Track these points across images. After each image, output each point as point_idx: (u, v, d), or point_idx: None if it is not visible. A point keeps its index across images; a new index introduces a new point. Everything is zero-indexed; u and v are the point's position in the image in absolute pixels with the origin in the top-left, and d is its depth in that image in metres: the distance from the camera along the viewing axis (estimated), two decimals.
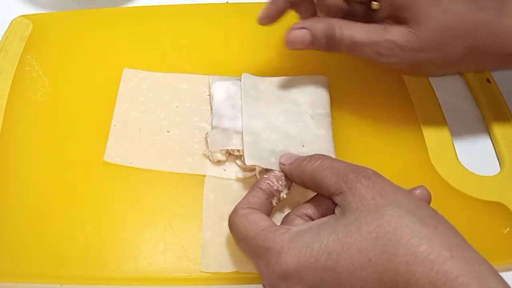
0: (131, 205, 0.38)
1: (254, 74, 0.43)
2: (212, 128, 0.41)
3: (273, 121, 0.40)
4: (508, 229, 0.37)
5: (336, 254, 0.27)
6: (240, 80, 0.43)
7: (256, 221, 0.31)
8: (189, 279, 0.35)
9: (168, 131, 0.42)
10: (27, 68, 0.46)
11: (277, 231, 0.30)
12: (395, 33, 0.36)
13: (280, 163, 0.36)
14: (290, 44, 0.38)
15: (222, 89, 0.42)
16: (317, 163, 0.32)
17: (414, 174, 0.40)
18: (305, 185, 0.34)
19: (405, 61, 0.37)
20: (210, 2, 0.52)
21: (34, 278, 0.35)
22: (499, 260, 0.35)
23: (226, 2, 0.53)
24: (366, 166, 0.31)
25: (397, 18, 0.37)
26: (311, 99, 0.42)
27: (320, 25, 0.38)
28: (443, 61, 0.37)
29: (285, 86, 0.42)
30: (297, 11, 0.41)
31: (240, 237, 0.31)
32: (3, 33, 0.48)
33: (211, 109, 0.43)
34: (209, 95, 0.44)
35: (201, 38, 0.49)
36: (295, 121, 0.40)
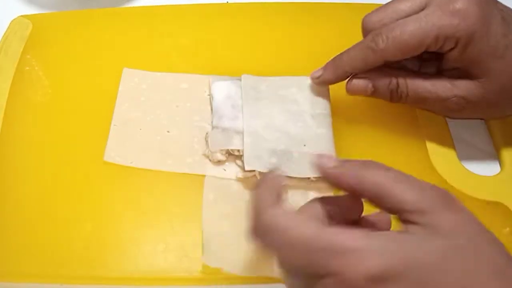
0: (131, 205, 0.38)
1: (254, 74, 0.43)
2: (212, 128, 0.41)
3: (273, 121, 0.40)
4: (508, 229, 0.37)
5: (430, 273, 0.24)
6: (240, 80, 0.43)
7: (308, 220, 0.26)
8: (189, 279, 0.35)
9: (168, 131, 0.42)
10: (27, 68, 0.46)
11: (346, 229, 0.25)
12: (463, 88, 0.36)
13: (320, 167, 0.29)
14: (351, 92, 0.39)
15: (222, 89, 0.42)
16: (382, 172, 0.27)
17: (414, 174, 0.39)
18: (361, 194, 0.28)
19: (474, 114, 0.38)
20: (210, 2, 0.52)
21: (34, 278, 0.35)
22: None
23: (226, 2, 0.53)
24: (446, 190, 0.27)
25: (464, 72, 0.36)
26: (311, 99, 0.42)
27: (383, 77, 0.38)
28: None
29: (285, 86, 0.42)
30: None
31: (285, 241, 0.26)
32: (3, 33, 0.48)
33: (211, 109, 0.43)
34: (209, 95, 0.44)
35: (201, 38, 0.49)
36: (296, 121, 0.40)
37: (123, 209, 0.38)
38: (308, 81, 0.43)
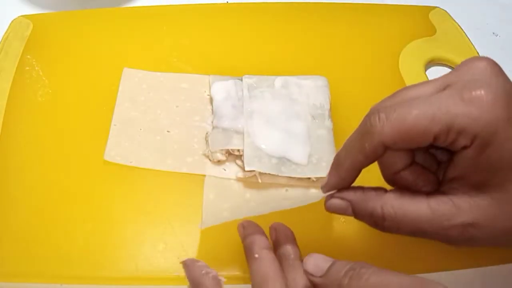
0: (131, 205, 0.38)
1: (254, 74, 0.43)
2: (213, 128, 0.41)
3: (274, 121, 0.40)
4: None
5: None
6: (241, 79, 0.43)
7: None
8: None
9: (168, 131, 0.42)
10: (27, 68, 0.46)
11: None
12: (471, 210, 0.27)
13: (308, 273, 0.28)
14: (330, 211, 0.31)
15: (223, 89, 0.42)
16: (362, 281, 0.25)
17: None
18: None
19: (484, 244, 0.29)
20: (210, 2, 0.52)
21: (34, 278, 0.35)
22: (499, 260, 0.35)
23: (226, 2, 0.53)
24: (432, 280, 0.24)
25: (475, 185, 0.27)
26: (311, 99, 0.42)
27: (365, 202, 0.29)
28: None
29: (285, 86, 0.42)
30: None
31: None
32: (3, 33, 0.48)
33: (212, 109, 0.43)
34: (209, 95, 0.44)
35: (201, 38, 0.49)
36: (296, 122, 0.40)
37: (123, 209, 0.38)
38: (308, 81, 0.43)
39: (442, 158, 0.31)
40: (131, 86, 0.44)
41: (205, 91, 0.44)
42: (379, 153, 0.28)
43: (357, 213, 0.30)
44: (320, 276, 0.27)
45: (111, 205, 0.38)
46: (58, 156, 0.40)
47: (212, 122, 0.41)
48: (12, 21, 0.49)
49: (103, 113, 0.42)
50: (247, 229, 0.34)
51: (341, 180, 0.30)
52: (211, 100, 0.43)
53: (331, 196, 0.31)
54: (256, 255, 0.31)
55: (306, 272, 0.28)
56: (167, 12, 0.51)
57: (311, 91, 0.42)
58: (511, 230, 0.27)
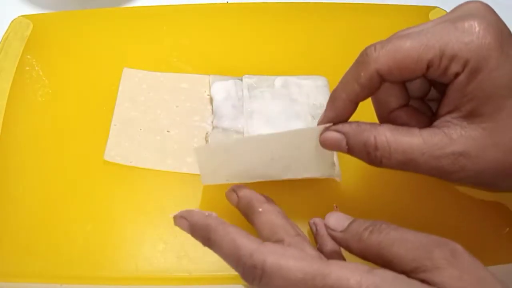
0: (131, 204, 0.38)
1: (254, 74, 0.43)
2: (213, 128, 0.41)
3: (273, 121, 0.40)
4: (508, 229, 0.37)
5: None
6: (241, 79, 0.43)
7: (305, 257, 0.25)
8: (189, 279, 0.35)
9: (168, 131, 0.42)
10: (27, 68, 0.46)
11: (347, 264, 0.25)
12: (463, 140, 0.27)
13: (328, 228, 0.28)
14: (324, 146, 0.32)
15: (223, 89, 0.42)
16: (382, 235, 0.26)
17: (414, 176, 0.40)
18: (366, 258, 0.27)
19: (477, 178, 0.28)
20: (210, 2, 0.52)
21: (34, 278, 0.35)
22: (499, 260, 0.35)
23: (226, 2, 0.53)
24: (451, 240, 0.25)
25: (467, 115, 0.28)
26: (311, 99, 0.42)
27: (360, 133, 0.30)
28: None
29: (285, 86, 0.42)
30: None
31: (286, 282, 0.25)
32: (3, 33, 0.48)
33: (212, 109, 0.43)
34: (209, 95, 0.44)
35: (201, 38, 0.49)
36: (296, 122, 0.40)
37: (123, 209, 0.38)
38: (308, 81, 0.43)
39: (433, 96, 0.32)
40: (131, 86, 0.44)
41: (205, 91, 0.44)
42: (374, 83, 0.29)
43: (351, 146, 0.30)
44: (341, 231, 0.28)
45: (111, 205, 0.38)
46: (58, 156, 0.40)
47: (212, 122, 0.41)
48: (12, 21, 0.49)
49: (103, 113, 0.42)
50: (240, 190, 0.33)
51: (338, 113, 0.31)
52: (211, 100, 0.43)
53: (327, 129, 0.31)
54: (260, 209, 0.31)
55: (327, 227, 0.28)
56: (167, 12, 0.51)
57: (311, 91, 0.42)
58: (500, 162, 0.27)
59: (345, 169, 0.38)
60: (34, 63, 0.46)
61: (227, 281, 0.35)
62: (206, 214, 0.29)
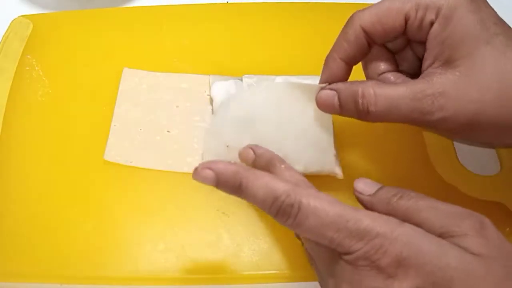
0: (131, 205, 0.38)
1: (254, 74, 0.43)
2: None
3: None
4: (508, 229, 0.37)
5: (459, 280, 0.25)
6: (241, 79, 0.43)
7: (335, 201, 0.27)
8: (189, 279, 0.35)
9: (168, 131, 0.42)
10: (27, 68, 0.46)
11: (378, 215, 0.26)
12: (442, 82, 0.30)
13: (357, 192, 0.31)
14: (320, 106, 0.35)
15: (223, 89, 0.42)
16: (411, 202, 0.28)
17: (414, 174, 0.40)
18: None
19: (456, 118, 0.30)
20: (210, 2, 0.52)
21: (34, 278, 0.35)
22: None
23: (226, 2, 0.53)
24: (477, 213, 0.27)
25: (445, 63, 0.31)
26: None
27: (349, 87, 0.32)
28: (506, 121, 0.30)
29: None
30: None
31: (317, 221, 0.26)
32: (3, 33, 0.48)
33: (212, 109, 0.43)
34: (209, 95, 0.44)
35: (201, 38, 0.49)
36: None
37: (123, 209, 0.38)
38: (308, 81, 0.43)
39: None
40: (131, 86, 0.44)
41: (205, 91, 0.44)
42: (361, 39, 0.33)
43: (342, 100, 0.33)
44: (369, 195, 0.30)
45: (111, 205, 0.38)
46: (58, 156, 0.40)
47: None
48: (12, 21, 0.49)
49: (103, 113, 0.42)
50: (258, 148, 0.35)
51: (331, 73, 0.34)
52: (211, 100, 0.43)
53: (321, 89, 0.34)
54: (283, 166, 0.33)
55: (355, 191, 0.30)
56: (167, 12, 0.51)
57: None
58: (476, 101, 0.29)
59: (346, 166, 0.38)
60: (34, 63, 0.46)
61: (227, 281, 0.35)
62: (233, 162, 0.30)
